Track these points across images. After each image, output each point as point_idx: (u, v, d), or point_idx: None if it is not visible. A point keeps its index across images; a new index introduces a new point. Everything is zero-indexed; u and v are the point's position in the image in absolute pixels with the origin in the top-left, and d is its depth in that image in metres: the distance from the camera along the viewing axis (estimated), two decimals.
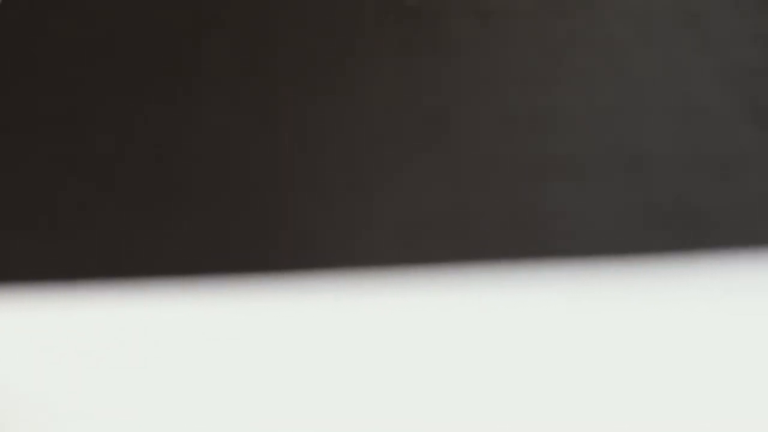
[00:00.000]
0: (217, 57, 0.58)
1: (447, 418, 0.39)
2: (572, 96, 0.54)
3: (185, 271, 0.44)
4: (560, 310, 0.43)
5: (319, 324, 0.42)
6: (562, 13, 0.61)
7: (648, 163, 0.49)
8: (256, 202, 0.48)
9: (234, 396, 0.40)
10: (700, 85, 0.55)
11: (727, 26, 0.59)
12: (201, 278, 0.44)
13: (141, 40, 0.59)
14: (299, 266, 0.44)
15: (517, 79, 0.55)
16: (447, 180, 0.49)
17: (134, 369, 0.41)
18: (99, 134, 0.52)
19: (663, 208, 0.47)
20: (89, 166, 0.50)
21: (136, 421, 0.39)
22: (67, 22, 0.61)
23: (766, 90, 0.54)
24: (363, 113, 0.53)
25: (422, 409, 0.40)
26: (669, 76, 0.55)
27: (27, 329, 0.42)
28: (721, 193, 0.48)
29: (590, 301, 0.43)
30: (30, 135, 0.52)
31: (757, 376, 0.40)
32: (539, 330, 0.42)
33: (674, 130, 0.51)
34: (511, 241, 0.45)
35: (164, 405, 0.40)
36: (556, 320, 0.42)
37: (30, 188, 0.49)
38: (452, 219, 0.46)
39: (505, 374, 0.41)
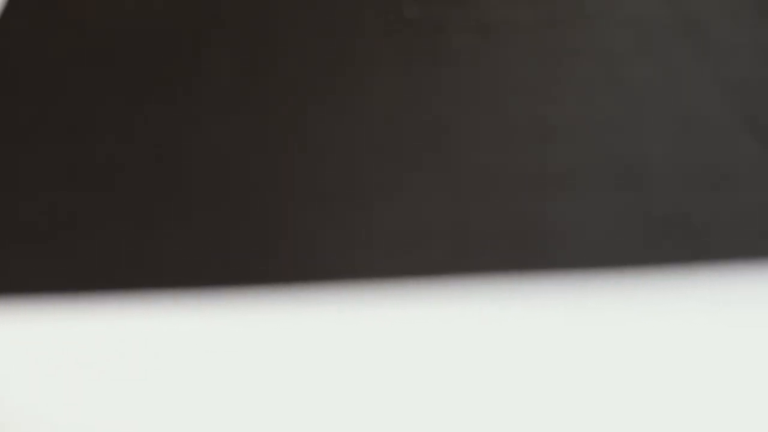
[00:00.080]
0: (217, 58, 0.58)
1: (447, 430, 0.39)
2: (572, 108, 0.54)
3: (185, 282, 0.44)
4: (559, 321, 0.43)
5: (318, 335, 0.42)
6: (561, 25, 0.61)
7: (647, 174, 0.49)
8: (255, 213, 0.48)
9: (234, 407, 0.40)
10: (700, 96, 0.55)
11: (727, 37, 0.59)
12: (201, 290, 0.44)
13: (141, 41, 0.59)
14: (299, 277, 0.44)
15: (517, 90, 0.55)
16: (447, 191, 0.49)
17: (134, 381, 0.41)
18: (98, 140, 0.52)
19: (662, 220, 0.47)
20: (88, 176, 0.50)
21: None
22: (67, 24, 0.61)
23: (765, 101, 0.54)
24: (363, 124, 0.53)
25: (422, 422, 0.40)
26: (668, 87, 0.55)
27: (26, 341, 0.42)
28: (719, 204, 0.48)
29: (589, 313, 0.43)
30: (28, 142, 0.52)
31: (756, 387, 0.40)
32: (538, 342, 0.42)
33: (673, 141, 0.52)
34: (511, 252, 0.45)
35: (164, 417, 0.40)
36: (555, 332, 0.42)
37: (27, 200, 0.49)
38: (452, 230, 0.47)
39: (505, 387, 0.41)
